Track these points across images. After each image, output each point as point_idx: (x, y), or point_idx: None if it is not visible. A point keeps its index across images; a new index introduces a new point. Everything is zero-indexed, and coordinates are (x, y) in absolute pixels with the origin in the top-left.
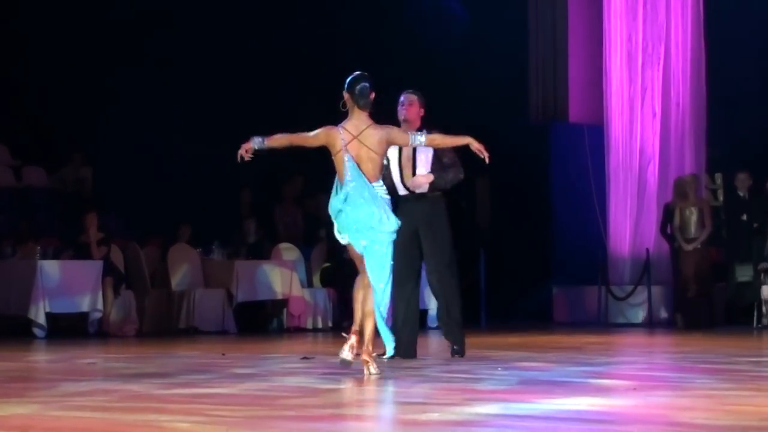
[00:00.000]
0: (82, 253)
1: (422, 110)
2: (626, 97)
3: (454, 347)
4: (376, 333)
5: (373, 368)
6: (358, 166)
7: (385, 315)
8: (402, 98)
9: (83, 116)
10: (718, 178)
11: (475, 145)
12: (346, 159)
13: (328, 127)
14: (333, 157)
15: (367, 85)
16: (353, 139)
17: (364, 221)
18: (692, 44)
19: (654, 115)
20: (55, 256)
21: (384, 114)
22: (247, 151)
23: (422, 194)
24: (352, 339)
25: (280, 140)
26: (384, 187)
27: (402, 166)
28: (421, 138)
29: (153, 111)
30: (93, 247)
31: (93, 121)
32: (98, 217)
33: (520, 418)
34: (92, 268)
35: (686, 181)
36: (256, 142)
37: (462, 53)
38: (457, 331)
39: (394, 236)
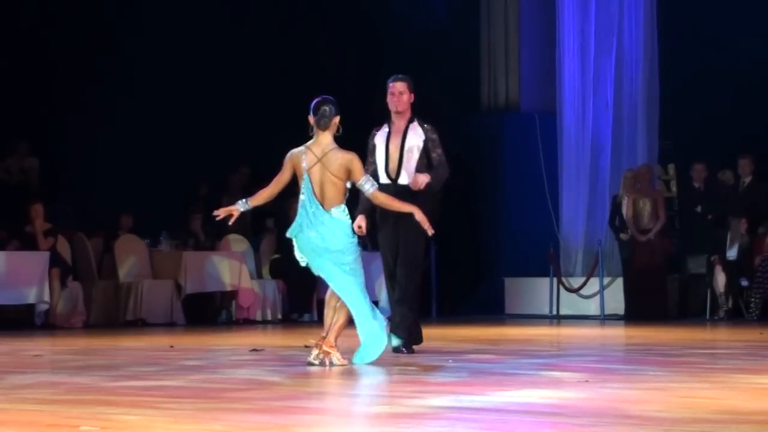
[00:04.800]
0: (28, 244)
1: (412, 95)
2: (578, 87)
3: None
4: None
5: (335, 359)
6: (320, 190)
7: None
8: (390, 86)
9: (29, 105)
10: (671, 168)
11: (419, 216)
12: (304, 182)
13: (290, 153)
14: (299, 180)
15: (327, 108)
16: (317, 163)
17: (321, 246)
18: (645, 35)
19: (606, 105)
20: (1, 248)
21: (347, 109)
22: (232, 215)
23: (405, 186)
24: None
25: (262, 195)
26: (346, 211)
27: (388, 156)
28: (369, 187)
29: (100, 101)
30: (39, 238)
31: (39, 110)
32: (44, 208)
33: (470, 411)
34: (38, 260)
35: (636, 172)
36: (240, 205)
37: (411, 41)
38: (406, 326)
39: (355, 259)
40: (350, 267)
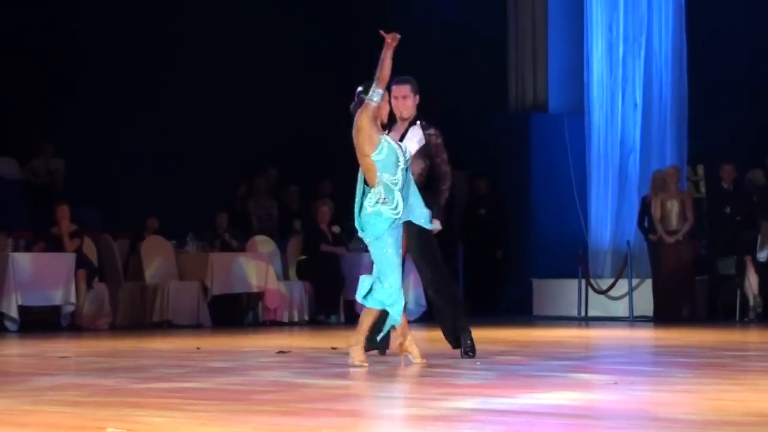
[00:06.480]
0: (54, 245)
1: (417, 97)
2: (607, 88)
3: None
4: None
5: (356, 359)
6: (363, 173)
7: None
8: (393, 91)
9: (55, 107)
10: (700, 169)
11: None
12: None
13: None
14: None
15: (361, 89)
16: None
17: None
18: (674, 34)
19: (635, 105)
20: (27, 249)
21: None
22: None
23: None
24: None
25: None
26: (378, 198)
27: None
28: (378, 91)
29: (126, 102)
30: (65, 239)
31: (65, 111)
32: (70, 209)
33: (498, 413)
34: (65, 261)
35: (665, 173)
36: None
37: (440, 42)
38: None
39: (381, 242)
40: (376, 247)
